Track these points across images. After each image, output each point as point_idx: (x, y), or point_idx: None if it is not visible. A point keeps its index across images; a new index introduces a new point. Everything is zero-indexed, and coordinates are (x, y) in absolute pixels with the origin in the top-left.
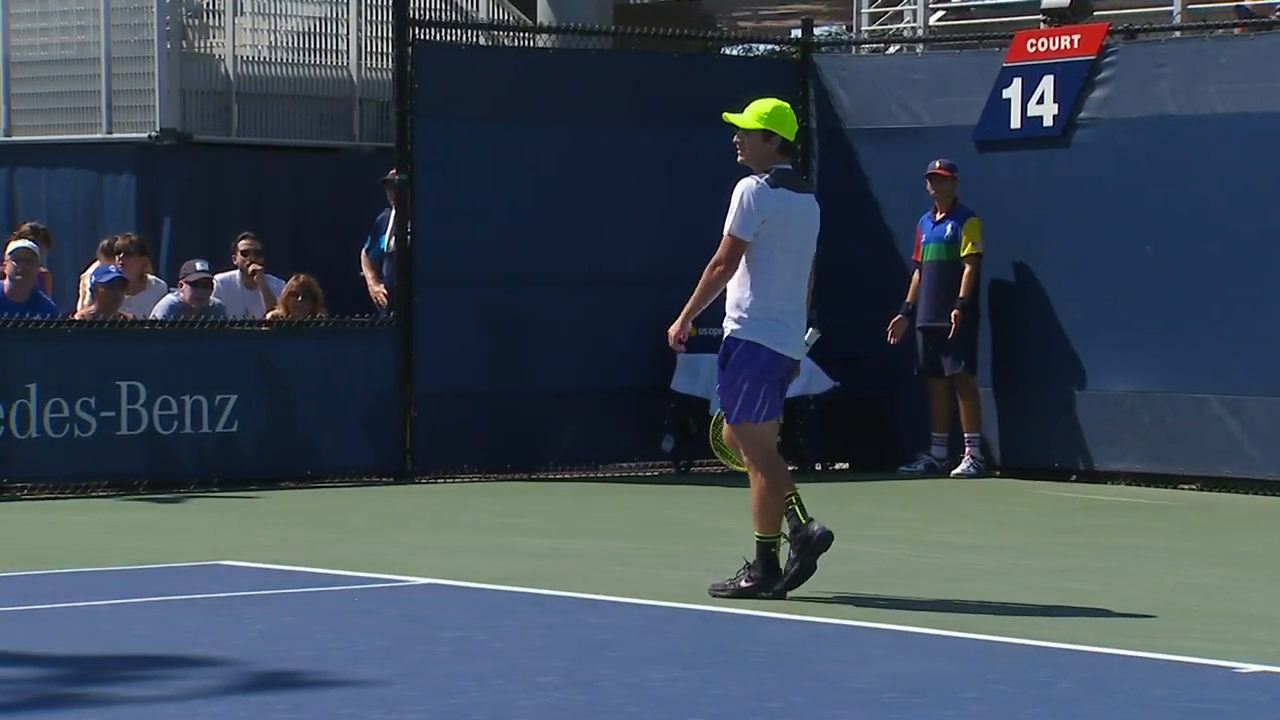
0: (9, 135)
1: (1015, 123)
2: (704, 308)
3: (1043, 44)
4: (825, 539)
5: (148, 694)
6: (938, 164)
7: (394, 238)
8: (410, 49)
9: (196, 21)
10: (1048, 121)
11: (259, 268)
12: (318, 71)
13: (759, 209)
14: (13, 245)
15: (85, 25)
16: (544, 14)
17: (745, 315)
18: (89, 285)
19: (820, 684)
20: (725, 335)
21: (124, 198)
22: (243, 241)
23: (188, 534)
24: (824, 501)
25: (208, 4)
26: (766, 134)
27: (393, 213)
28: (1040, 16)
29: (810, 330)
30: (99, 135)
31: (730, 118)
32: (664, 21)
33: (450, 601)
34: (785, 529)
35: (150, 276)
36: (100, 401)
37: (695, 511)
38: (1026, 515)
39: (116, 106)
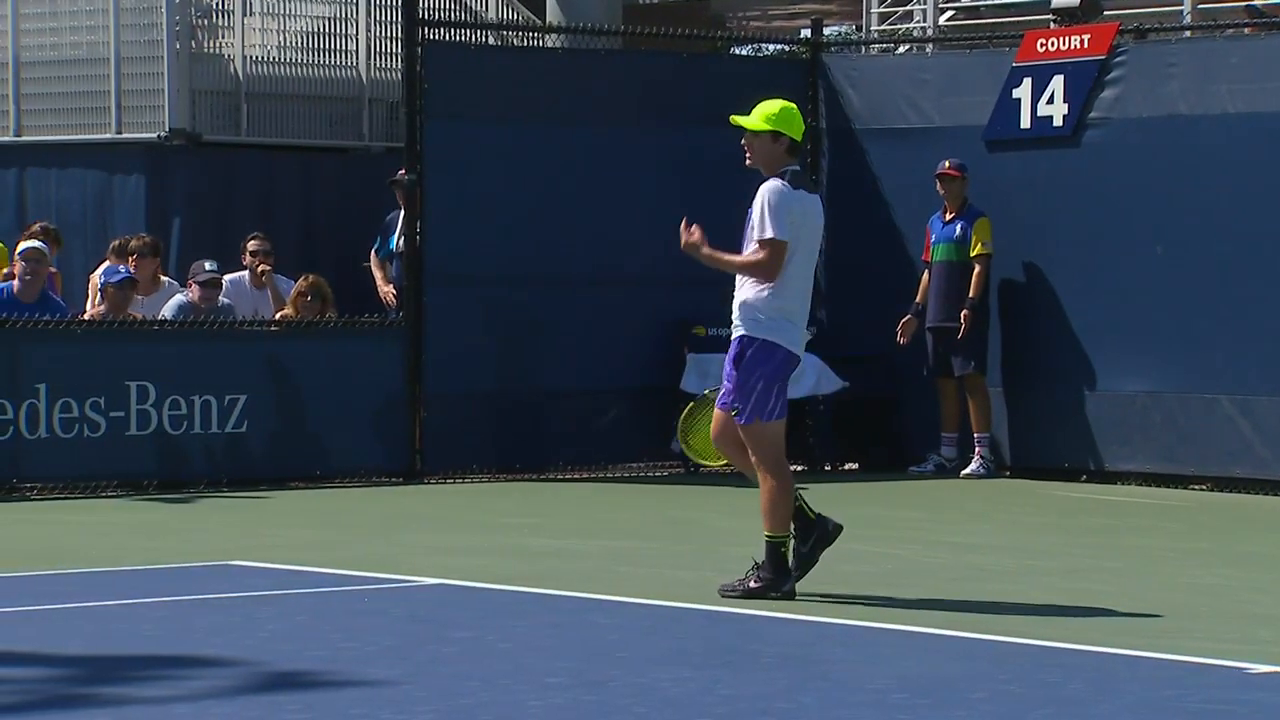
0: (19, 135)
1: (1025, 123)
2: (716, 266)
3: (1053, 44)
4: (838, 530)
5: (159, 694)
6: (947, 164)
7: (403, 238)
8: (420, 49)
9: (206, 22)
10: (1058, 121)
11: (267, 268)
12: (327, 71)
13: (789, 210)
14: (22, 245)
15: (95, 25)
16: (553, 14)
17: (761, 315)
18: (98, 285)
19: (829, 684)
20: (739, 334)
21: (133, 198)
22: (252, 242)
23: (197, 534)
24: (833, 502)
25: (217, 4)
26: (775, 135)
27: (402, 213)
28: (1050, 16)
29: (810, 329)
30: (108, 135)
31: (738, 120)
32: (673, 21)
33: (459, 602)
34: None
35: (163, 278)
36: (110, 402)
37: (704, 512)
38: (1037, 516)
39: (126, 107)
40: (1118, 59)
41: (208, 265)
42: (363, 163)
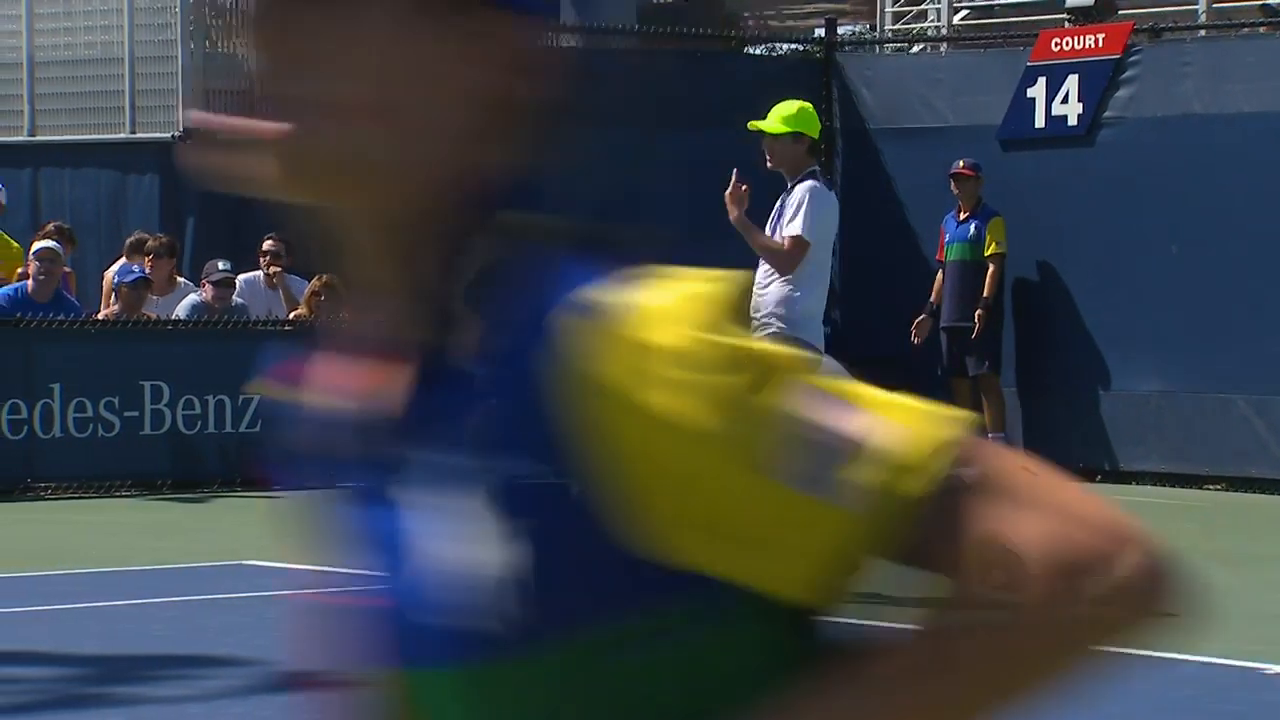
0: (33, 135)
1: (1040, 122)
2: (742, 231)
3: (1067, 43)
4: None
5: (172, 694)
6: (962, 163)
7: None
8: None
9: (220, 21)
10: (1072, 121)
11: (278, 269)
12: None
13: (826, 215)
14: (36, 245)
15: (109, 25)
16: (567, 13)
17: (792, 314)
18: (113, 284)
19: None
20: (769, 333)
21: (147, 198)
22: (266, 241)
23: (211, 534)
24: None
25: (231, 3)
26: (796, 136)
27: None
28: (1065, 15)
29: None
30: (122, 135)
31: (757, 125)
32: (687, 21)
33: None
34: None
35: (179, 279)
36: (124, 401)
37: None
38: None
39: (140, 106)
40: (1132, 58)
41: (221, 265)
42: None
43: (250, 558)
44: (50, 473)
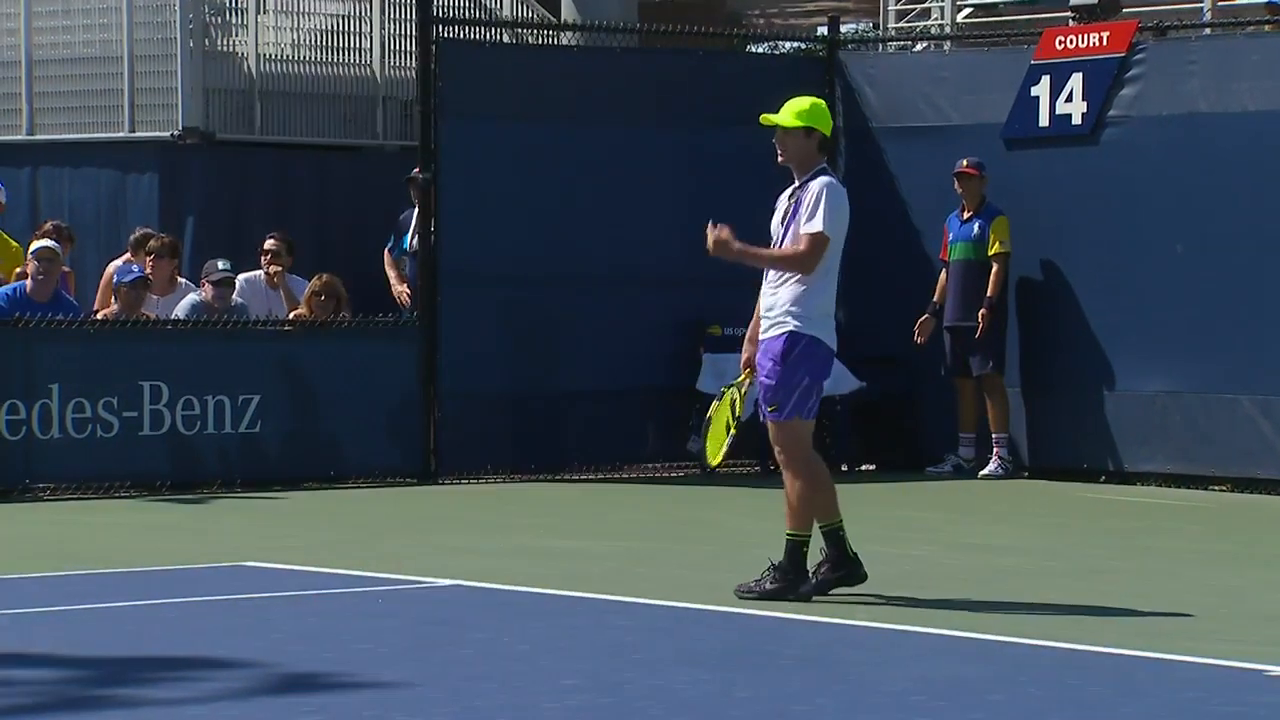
0: (31, 134)
1: (1044, 121)
2: (748, 263)
3: (1071, 41)
4: (862, 580)
5: (172, 696)
6: (965, 162)
7: (417, 237)
8: (434, 47)
9: (219, 19)
10: (1076, 120)
11: (278, 268)
12: (341, 70)
13: (843, 209)
14: (35, 245)
15: (107, 24)
16: (569, 11)
17: (807, 312)
18: (112, 280)
19: (847, 686)
20: (785, 331)
21: (146, 197)
22: (268, 241)
23: (211, 535)
24: (851, 503)
25: (231, 2)
26: (808, 131)
27: (416, 211)
28: (1069, 14)
29: None
30: (121, 134)
31: (769, 118)
32: (689, 19)
33: (474, 603)
34: (824, 545)
35: (180, 279)
36: (123, 402)
37: (720, 513)
38: (1055, 517)
39: (139, 105)
40: (1137, 56)
41: (220, 265)
42: (377, 161)
43: (250, 559)
44: (49, 473)
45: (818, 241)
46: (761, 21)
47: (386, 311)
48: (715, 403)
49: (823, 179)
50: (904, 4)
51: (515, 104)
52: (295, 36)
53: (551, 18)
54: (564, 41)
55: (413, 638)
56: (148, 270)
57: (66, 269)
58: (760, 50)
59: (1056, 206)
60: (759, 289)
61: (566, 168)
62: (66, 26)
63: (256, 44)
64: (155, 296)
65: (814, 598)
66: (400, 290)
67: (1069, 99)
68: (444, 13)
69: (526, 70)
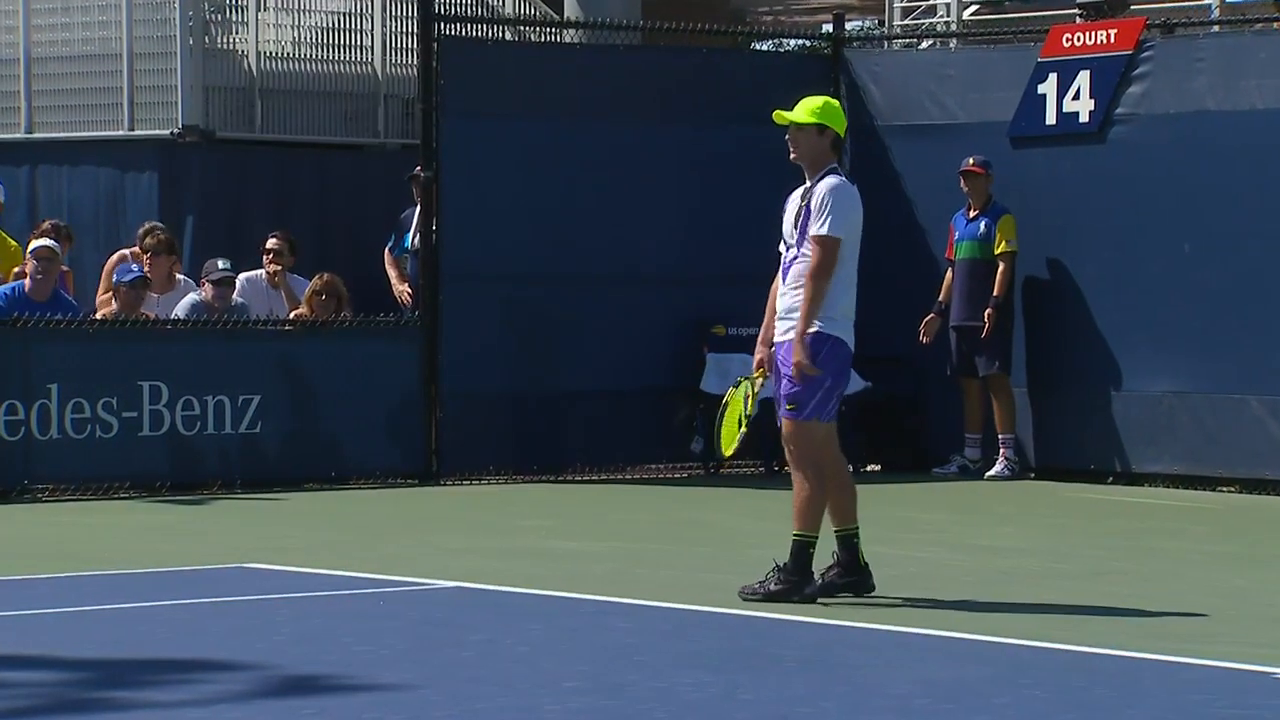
0: (30, 132)
1: (1050, 119)
2: (813, 313)
3: (1078, 39)
4: (869, 590)
5: (172, 698)
6: (971, 161)
7: (419, 235)
8: (436, 44)
9: (219, 17)
10: (1083, 117)
11: (278, 267)
12: (342, 67)
13: (854, 210)
14: (33, 244)
15: (107, 21)
16: (571, 9)
17: (831, 315)
18: (112, 275)
19: (851, 689)
20: (813, 332)
21: (146, 195)
22: (270, 240)
23: (211, 536)
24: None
25: None
26: (820, 129)
27: (417, 210)
28: (1076, 11)
29: None
30: (120, 132)
31: (782, 114)
32: (693, 16)
33: (476, 605)
34: (837, 551)
35: (179, 276)
36: (122, 402)
37: (723, 514)
38: (1061, 518)
39: (138, 103)
40: (1144, 54)
41: (221, 264)
42: (378, 160)
43: (250, 560)
44: (48, 474)
45: (827, 244)
46: (769, 19)
47: (388, 311)
48: (731, 390)
49: (830, 179)
50: (909, 1)
51: (518, 102)
52: (296, 34)
53: (554, 15)
54: (567, 39)
55: (413, 639)
56: (145, 268)
57: (65, 268)
58: (764, 48)
59: (1063, 205)
60: (762, 289)
61: (569, 166)
62: (65, 24)
63: (257, 41)
64: (154, 295)
65: (818, 599)
66: (401, 289)
67: (1076, 97)
68: (446, 10)
69: (529, 68)
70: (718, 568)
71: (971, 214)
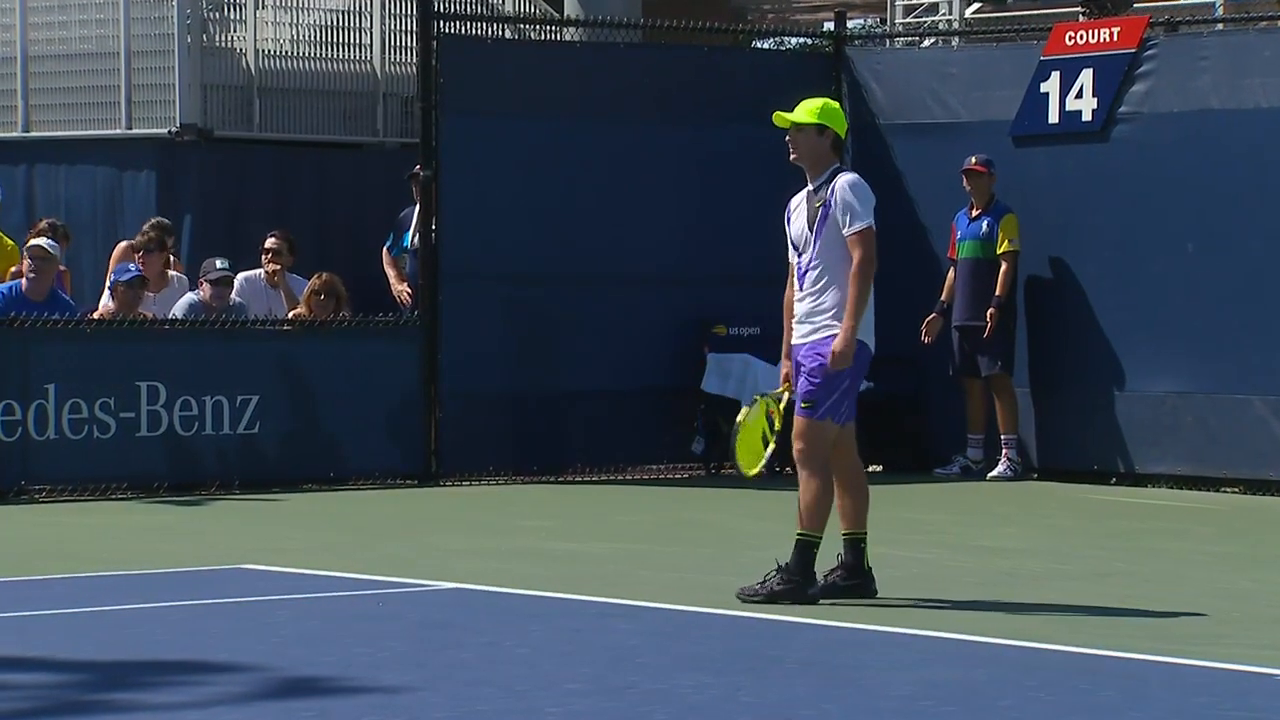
0: (27, 131)
1: (1053, 117)
2: (860, 313)
3: (1082, 37)
4: (872, 594)
5: (170, 700)
6: (974, 159)
7: (418, 235)
8: (435, 43)
9: (217, 15)
10: (1087, 116)
11: (277, 267)
12: (341, 66)
13: (871, 198)
14: (30, 243)
15: (104, 19)
16: (571, 7)
17: None
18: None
19: (853, 691)
20: (834, 334)
21: (144, 194)
22: (269, 239)
23: (209, 537)
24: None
25: None
26: (820, 129)
27: (417, 209)
28: (1079, 9)
29: None
30: (118, 131)
31: (783, 115)
32: (694, 14)
33: (476, 606)
34: (843, 554)
35: (172, 273)
36: (120, 402)
37: (724, 515)
38: (1065, 519)
39: (136, 102)
40: (1148, 52)
41: (219, 263)
42: (377, 159)
43: (249, 561)
44: (45, 475)
45: (867, 237)
46: (771, 16)
47: (387, 311)
48: (746, 409)
49: (845, 177)
50: None
51: (517, 100)
52: (294, 32)
53: (554, 13)
54: (567, 37)
55: (413, 641)
56: (140, 268)
57: (63, 268)
58: (766, 46)
59: (1066, 204)
60: (763, 289)
61: (569, 165)
62: (63, 22)
63: (255, 40)
64: (149, 294)
65: (819, 600)
66: (400, 289)
67: (1079, 95)
68: (445, 8)
69: (529, 66)
70: (719, 569)
71: (974, 213)
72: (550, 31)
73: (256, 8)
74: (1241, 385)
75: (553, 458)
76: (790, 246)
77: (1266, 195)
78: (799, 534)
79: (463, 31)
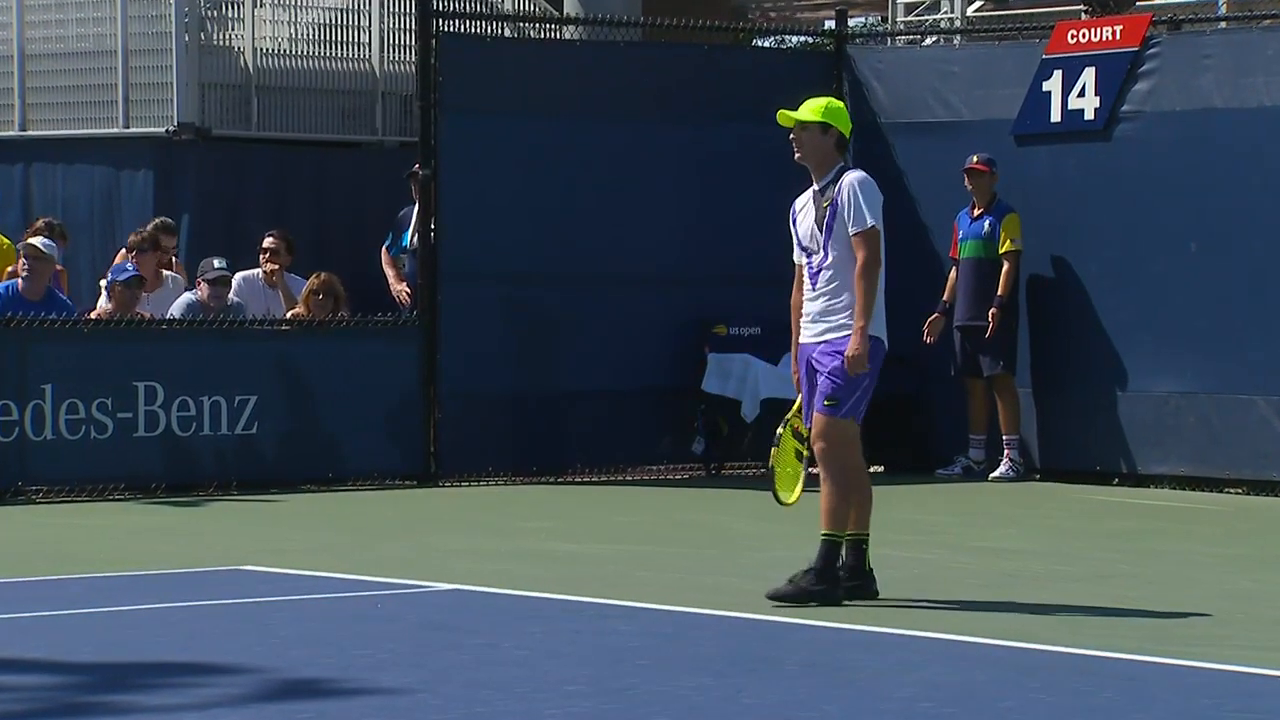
0: (25, 130)
1: (1055, 116)
2: (869, 312)
3: (1084, 35)
4: (873, 595)
5: (168, 701)
6: (976, 159)
7: (417, 234)
8: (434, 41)
9: (215, 13)
10: (1089, 115)
11: (275, 267)
12: (339, 64)
13: (879, 197)
14: (26, 242)
15: (102, 18)
16: (571, 5)
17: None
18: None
19: (854, 692)
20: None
21: (141, 193)
22: (267, 239)
23: (207, 538)
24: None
25: None
26: (825, 127)
27: (416, 209)
28: (1081, 7)
29: None
30: (116, 130)
31: (786, 113)
32: (694, 13)
33: (475, 607)
34: (845, 554)
35: (166, 273)
36: (117, 402)
37: (724, 516)
38: (1067, 519)
39: (134, 100)
40: (1151, 51)
41: (216, 263)
42: (376, 158)
43: (247, 563)
44: (42, 475)
45: (871, 237)
46: (772, 15)
47: (386, 310)
48: (774, 449)
49: (852, 175)
50: None
51: (517, 99)
52: (293, 30)
53: (554, 11)
54: (566, 36)
55: (412, 643)
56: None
57: (60, 267)
58: (766, 45)
59: (1068, 203)
60: (763, 289)
61: (569, 164)
62: (60, 20)
63: (253, 38)
64: (145, 294)
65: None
66: (399, 289)
67: (1081, 94)
68: (444, 6)
69: (528, 65)
70: (720, 570)
71: (976, 212)
72: (550, 30)
73: (255, 6)
74: (1245, 385)
75: (552, 458)
76: (798, 247)
77: (1270, 194)
78: (824, 535)
79: (462, 30)
